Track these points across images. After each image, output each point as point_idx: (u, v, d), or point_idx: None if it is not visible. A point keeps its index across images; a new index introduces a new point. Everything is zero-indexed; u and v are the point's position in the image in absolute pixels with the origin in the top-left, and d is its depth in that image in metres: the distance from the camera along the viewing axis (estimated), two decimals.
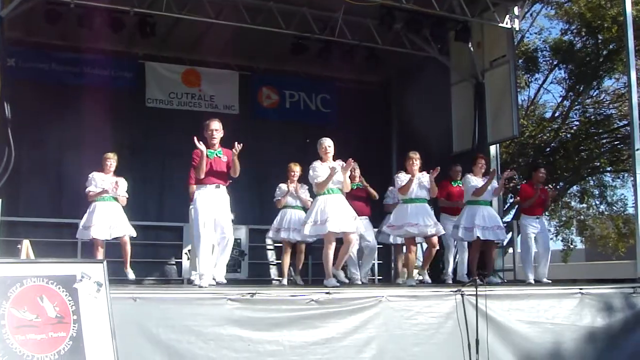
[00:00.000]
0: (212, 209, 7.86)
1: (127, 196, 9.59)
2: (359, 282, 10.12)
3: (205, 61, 14.35)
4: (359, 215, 8.92)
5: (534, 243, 10.18)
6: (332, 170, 8.19)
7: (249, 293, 6.50)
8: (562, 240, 24.06)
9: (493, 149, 12.71)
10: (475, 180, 9.75)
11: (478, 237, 9.52)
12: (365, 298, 7.01)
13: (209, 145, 7.93)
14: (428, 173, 8.98)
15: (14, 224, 10.82)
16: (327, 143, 8.52)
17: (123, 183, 9.51)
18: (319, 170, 8.39)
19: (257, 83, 14.89)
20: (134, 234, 9.69)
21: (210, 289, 7.18)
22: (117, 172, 9.66)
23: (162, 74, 14.00)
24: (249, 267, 12.49)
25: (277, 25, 12.29)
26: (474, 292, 7.28)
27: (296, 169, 10.04)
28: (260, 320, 6.46)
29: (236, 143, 7.79)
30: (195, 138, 7.78)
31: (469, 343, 7.14)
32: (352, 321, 6.82)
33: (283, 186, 10.12)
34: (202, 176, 7.86)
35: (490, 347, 7.23)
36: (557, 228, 23.60)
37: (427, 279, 9.44)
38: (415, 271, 10.01)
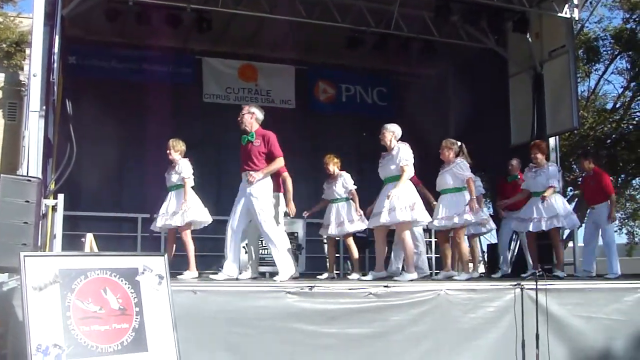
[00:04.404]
0: None
1: (186, 177, 8.82)
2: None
3: (261, 56, 14.45)
4: None
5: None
6: None
7: (308, 286, 6.52)
8: (626, 234, 23.58)
9: (552, 140, 12.52)
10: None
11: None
12: (423, 291, 6.95)
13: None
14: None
15: (76, 218, 11.02)
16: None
17: (183, 163, 8.89)
18: None
19: (314, 77, 14.95)
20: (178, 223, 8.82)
21: (268, 282, 7.21)
22: None
23: (219, 69, 14.16)
24: (307, 261, 12.49)
25: (333, 19, 12.28)
26: (534, 287, 7.18)
27: (328, 162, 9.60)
28: (319, 313, 6.46)
29: None
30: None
31: (522, 339, 7.05)
32: (409, 314, 6.76)
33: None
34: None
35: (549, 342, 7.13)
36: (622, 220, 23.11)
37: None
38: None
